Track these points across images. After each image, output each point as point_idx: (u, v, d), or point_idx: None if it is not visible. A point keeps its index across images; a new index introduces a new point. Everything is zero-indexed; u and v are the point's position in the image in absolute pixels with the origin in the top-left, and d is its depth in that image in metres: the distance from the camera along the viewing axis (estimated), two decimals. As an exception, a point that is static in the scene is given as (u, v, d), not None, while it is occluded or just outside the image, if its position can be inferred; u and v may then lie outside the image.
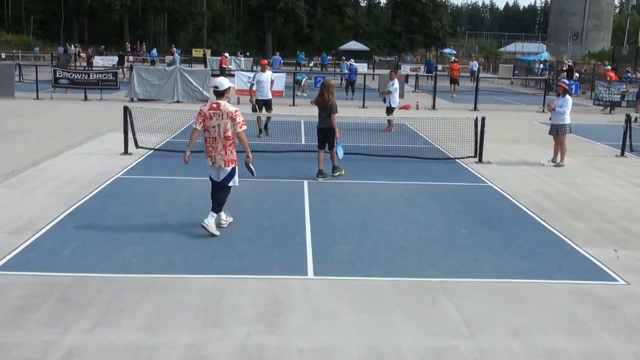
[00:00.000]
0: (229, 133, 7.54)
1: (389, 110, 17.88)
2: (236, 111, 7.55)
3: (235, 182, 7.79)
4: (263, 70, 16.06)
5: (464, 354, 4.93)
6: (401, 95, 26.05)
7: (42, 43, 63.39)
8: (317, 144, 11.11)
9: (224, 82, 7.68)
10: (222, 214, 7.93)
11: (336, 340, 5.11)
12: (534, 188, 10.91)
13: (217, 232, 7.62)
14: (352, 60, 34.04)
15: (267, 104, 15.78)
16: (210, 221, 7.59)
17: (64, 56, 27.96)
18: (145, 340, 4.99)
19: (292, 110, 20.42)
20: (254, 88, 15.97)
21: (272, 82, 16.20)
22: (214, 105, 7.56)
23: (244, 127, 7.62)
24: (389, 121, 17.43)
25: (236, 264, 6.77)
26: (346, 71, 39.28)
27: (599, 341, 5.24)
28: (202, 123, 7.58)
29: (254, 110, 16.03)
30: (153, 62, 46.12)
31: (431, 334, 5.26)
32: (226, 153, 7.56)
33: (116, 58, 44.61)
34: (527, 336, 5.27)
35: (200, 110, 7.69)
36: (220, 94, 7.61)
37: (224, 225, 7.91)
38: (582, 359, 4.95)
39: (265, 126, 15.64)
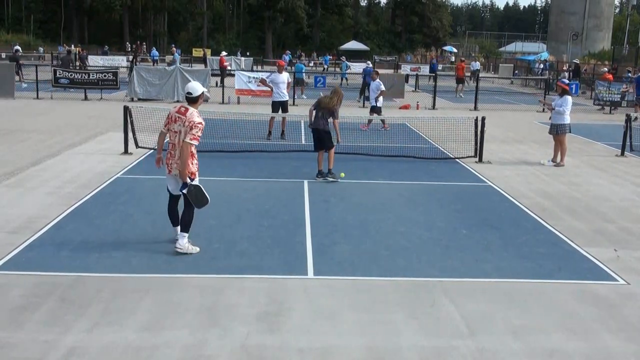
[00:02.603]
0: None
1: (375, 109, 17.74)
2: (199, 123, 6.84)
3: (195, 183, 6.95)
4: (280, 72, 15.78)
5: (464, 354, 4.93)
6: (401, 95, 26.18)
7: (43, 43, 63.37)
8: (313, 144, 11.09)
9: (197, 88, 7.09)
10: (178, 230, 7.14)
11: (336, 340, 5.11)
12: (534, 188, 10.91)
13: (195, 249, 7.04)
14: (368, 62, 32.79)
15: (283, 106, 15.56)
16: (181, 243, 6.97)
17: (67, 56, 28.95)
18: (145, 340, 4.99)
19: (292, 110, 20.41)
20: (271, 86, 15.70)
21: (288, 83, 16.00)
22: (182, 110, 6.98)
23: (194, 142, 6.81)
24: (373, 120, 17.33)
25: (236, 263, 6.77)
26: (346, 70, 39.31)
27: (599, 341, 5.24)
28: (167, 125, 7.10)
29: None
30: (155, 62, 46.11)
31: (431, 334, 5.26)
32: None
33: (117, 58, 44.72)
34: (527, 336, 5.27)
35: (169, 112, 7.18)
36: (192, 100, 7.03)
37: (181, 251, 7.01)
38: (582, 358, 4.95)
39: (282, 131, 15.50)
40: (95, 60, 43.86)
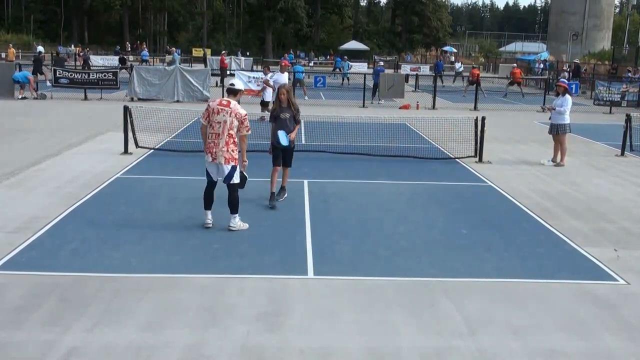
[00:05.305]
0: (232, 132, 7.60)
1: (264, 103, 17.93)
2: (245, 114, 7.69)
3: (236, 179, 7.80)
4: (282, 72, 15.95)
5: (464, 354, 4.93)
6: (401, 95, 26.19)
7: (42, 43, 63.37)
8: (275, 159, 9.26)
9: (240, 83, 8.12)
10: (210, 214, 7.93)
11: (336, 340, 5.11)
12: (534, 188, 10.91)
13: (245, 226, 7.91)
14: (381, 62, 31.77)
15: None
16: (234, 222, 7.83)
17: (59, 59, 33.14)
18: (145, 340, 4.98)
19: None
20: (272, 85, 15.79)
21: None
22: (224, 102, 7.70)
23: (249, 132, 7.78)
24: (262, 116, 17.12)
25: (236, 263, 6.77)
26: (346, 70, 39.28)
27: (599, 341, 5.24)
28: (207, 118, 7.70)
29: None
30: (144, 62, 45.76)
31: (431, 334, 5.26)
32: (227, 150, 7.58)
33: (117, 58, 44.70)
34: (527, 336, 5.27)
35: (208, 105, 7.81)
36: (233, 92, 7.87)
37: (210, 226, 7.86)
38: (582, 358, 4.95)
39: None
40: (95, 60, 43.86)
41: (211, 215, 7.91)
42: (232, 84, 7.98)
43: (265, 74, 18.79)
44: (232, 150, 7.62)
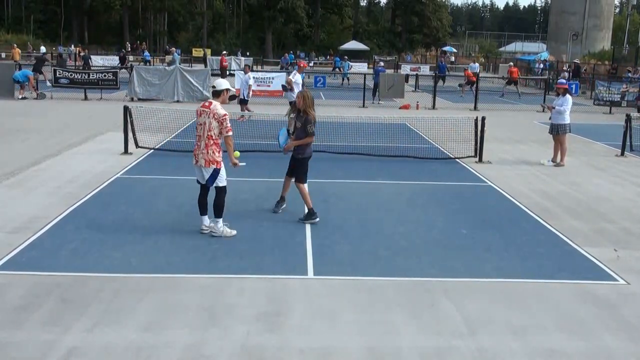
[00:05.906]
0: (212, 133, 7.42)
1: (243, 101, 18.60)
2: (225, 115, 7.45)
3: (221, 182, 7.60)
4: (300, 72, 16.26)
5: (464, 354, 4.93)
6: (401, 95, 26.20)
7: (42, 42, 63.37)
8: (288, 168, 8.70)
9: (222, 83, 7.70)
10: (206, 220, 7.73)
11: (336, 340, 5.11)
12: (534, 188, 10.91)
13: (231, 233, 7.61)
14: (382, 62, 31.18)
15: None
16: (216, 227, 7.56)
17: (61, 60, 34.02)
18: (145, 340, 4.99)
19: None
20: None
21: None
22: (206, 104, 7.60)
23: (230, 133, 7.51)
24: (244, 114, 18.29)
25: (236, 264, 6.77)
26: (347, 70, 39.29)
27: (599, 341, 5.24)
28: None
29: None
30: (147, 63, 45.80)
31: (431, 334, 5.26)
32: (208, 152, 7.41)
33: (117, 58, 44.74)
34: (527, 336, 5.27)
35: (197, 109, 7.74)
36: (216, 93, 7.64)
37: (206, 231, 7.67)
38: (582, 358, 4.95)
39: None
40: (95, 61, 43.88)
41: (208, 221, 7.72)
42: (214, 86, 7.71)
43: (245, 72, 19.28)
44: (213, 152, 7.42)
